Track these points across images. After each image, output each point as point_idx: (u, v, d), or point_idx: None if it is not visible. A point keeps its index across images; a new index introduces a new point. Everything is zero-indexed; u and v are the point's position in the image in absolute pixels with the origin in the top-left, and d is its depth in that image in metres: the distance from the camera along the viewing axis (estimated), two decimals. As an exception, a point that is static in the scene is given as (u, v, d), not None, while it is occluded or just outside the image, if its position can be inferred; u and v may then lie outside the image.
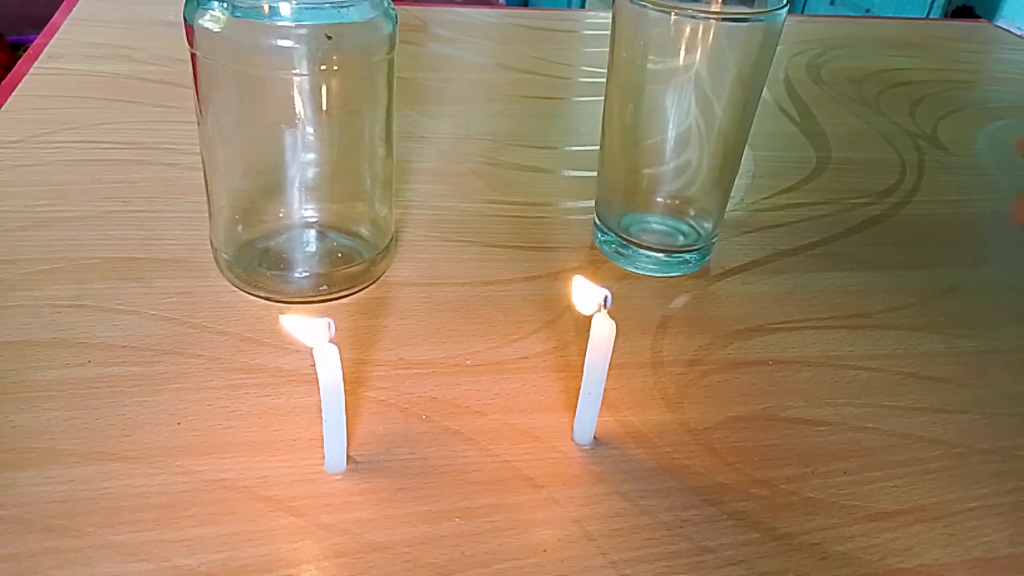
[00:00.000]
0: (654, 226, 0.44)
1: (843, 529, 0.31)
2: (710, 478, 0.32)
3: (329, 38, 0.33)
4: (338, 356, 0.27)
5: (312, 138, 0.36)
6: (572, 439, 0.33)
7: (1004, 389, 0.38)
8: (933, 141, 0.62)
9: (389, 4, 0.36)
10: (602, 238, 0.44)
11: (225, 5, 0.33)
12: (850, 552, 0.30)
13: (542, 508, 0.30)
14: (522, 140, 0.56)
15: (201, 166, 0.38)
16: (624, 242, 0.43)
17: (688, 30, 0.37)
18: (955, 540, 0.31)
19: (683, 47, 0.37)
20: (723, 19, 0.37)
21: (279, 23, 0.33)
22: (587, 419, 0.32)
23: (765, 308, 0.42)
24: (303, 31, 0.33)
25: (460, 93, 0.63)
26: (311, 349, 0.27)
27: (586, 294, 0.29)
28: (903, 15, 2.02)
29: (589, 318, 0.30)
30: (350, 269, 0.39)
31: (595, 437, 0.33)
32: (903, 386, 0.38)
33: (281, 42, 0.33)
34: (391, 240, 0.41)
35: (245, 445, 0.31)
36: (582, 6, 2.35)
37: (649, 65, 0.39)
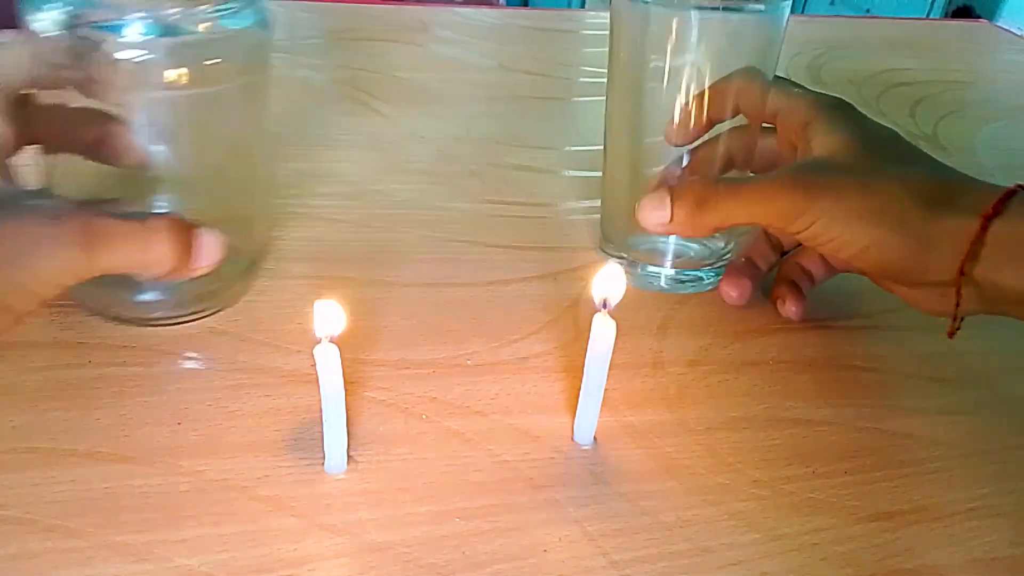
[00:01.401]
0: (661, 246, 0.42)
1: (843, 529, 0.31)
2: (710, 478, 0.32)
3: (170, 57, 0.31)
4: (338, 356, 0.27)
5: (168, 157, 0.34)
6: (572, 439, 0.33)
7: (1005, 389, 0.38)
8: (933, 141, 0.62)
9: (264, 11, 0.34)
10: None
11: (63, 8, 0.29)
12: (850, 552, 0.30)
13: (542, 508, 0.30)
14: (522, 140, 0.56)
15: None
16: (632, 261, 0.42)
17: (690, 24, 0.36)
18: (956, 540, 0.31)
19: (685, 42, 0.36)
20: (725, 8, 0.36)
21: (124, 38, 0.30)
22: (587, 419, 0.32)
23: (766, 308, 0.42)
24: (156, 45, 0.30)
25: (460, 93, 0.63)
26: (314, 347, 0.27)
27: (604, 284, 0.30)
28: (903, 15, 2.02)
29: (590, 318, 0.30)
30: (199, 290, 0.36)
31: (595, 437, 0.33)
32: (904, 386, 0.38)
33: (129, 55, 0.30)
34: (248, 265, 0.39)
35: (245, 445, 0.31)
36: (582, 6, 2.35)
37: (651, 63, 0.38)
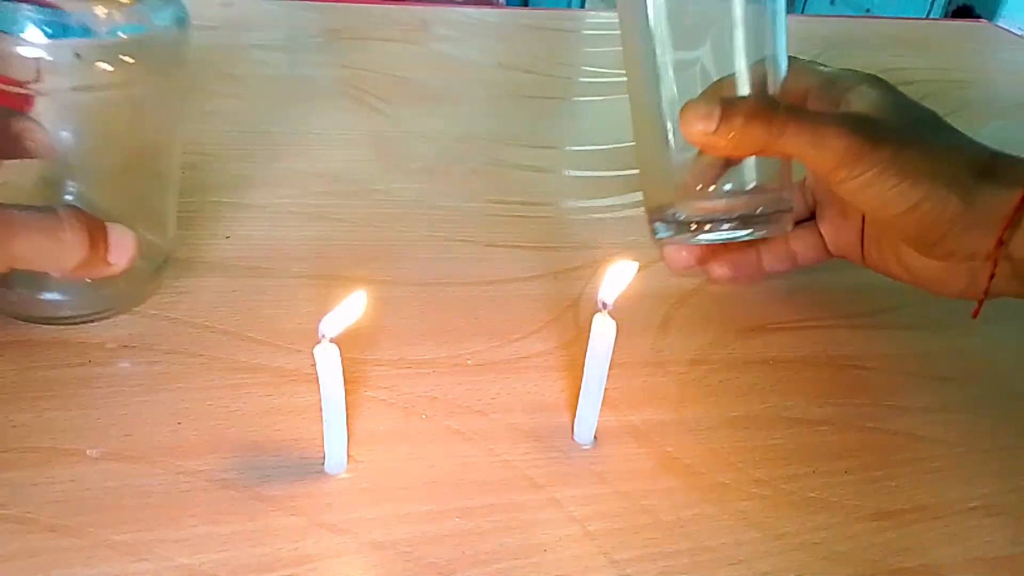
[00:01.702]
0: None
1: (844, 528, 0.31)
2: (711, 477, 0.32)
3: (78, 56, 0.30)
4: (338, 355, 0.27)
5: (78, 154, 0.33)
6: (573, 438, 0.33)
7: (1005, 388, 0.38)
8: (933, 141, 0.62)
9: (182, 9, 0.32)
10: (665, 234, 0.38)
11: None
12: (851, 551, 0.30)
13: (543, 508, 0.30)
14: (522, 140, 0.56)
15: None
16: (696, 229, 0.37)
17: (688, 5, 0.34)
18: (956, 540, 0.31)
19: (690, 26, 0.35)
20: None
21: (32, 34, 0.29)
22: (588, 418, 0.32)
23: (766, 308, 0.42)
24: (67, 43, 0.29)
25: (461, 92, 0.63)
26: (314, 347, 0.27)
27: (607, 283, 0.29)
28: (903, 15, 2.02)
29: (590, 317, 0.30)
30: (109, 289, 0.35)
31: (596, 436, 0.33)
32: (904, 385, 0.38)
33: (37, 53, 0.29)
34: (160, 264, 0.38)
35: (246, 445, 0.31)
36: (582, 6, 2.35)
37: (657, 49, 0.36)
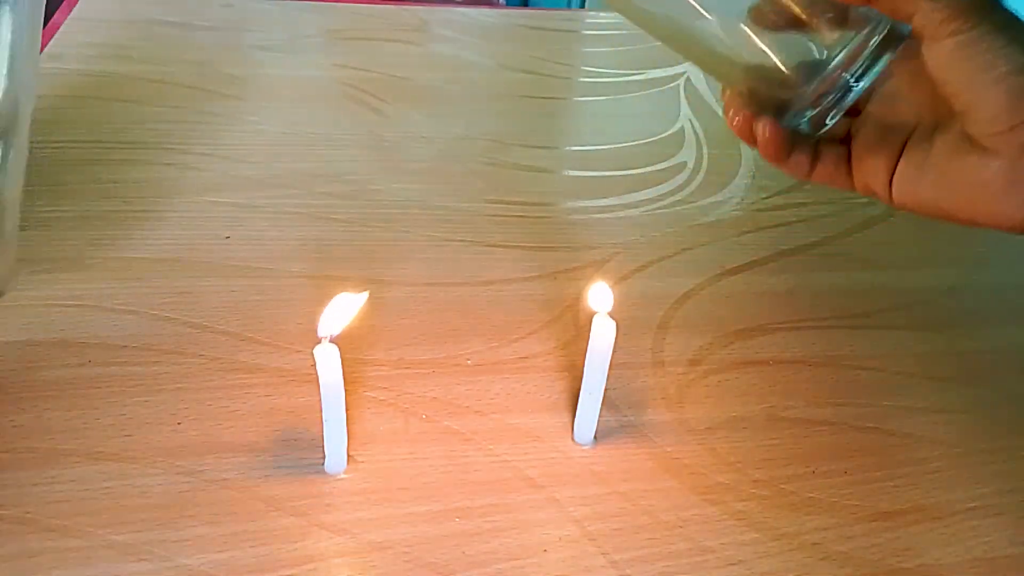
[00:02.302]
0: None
1: (844, 529, 0.31)
2: (711, 478, 0.32)
3: None
4: (338, 356, 0.27)
5: None
6: (572, 439, 0.33)
7: (1005, 389, 0.38)
8: (933, 141, 0.61)
9: None
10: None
11: None
12: (851, 552, 0.30)
13: (542, 508, 0.30)
14: (522, 140, 0.56)
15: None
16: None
17: None
18: (956, 540, 0.31)
19: None
20: None
21: None
22: (587, 419, 0.32)
23: (766, 308, 0.42)
24: None
25: (460, 93, 0.63)
26: (314, 347, 0.27)
27: (598, 296, 0.30)
28: (903, 15, 2.02)
29: (590, 318, 0.30)
30: None
31: (595, 437, 0.33)
32: (904, 386, 0.38)
33: None
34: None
35: (245, 445, 0.31)
36: (582, 6, 2.35)
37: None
